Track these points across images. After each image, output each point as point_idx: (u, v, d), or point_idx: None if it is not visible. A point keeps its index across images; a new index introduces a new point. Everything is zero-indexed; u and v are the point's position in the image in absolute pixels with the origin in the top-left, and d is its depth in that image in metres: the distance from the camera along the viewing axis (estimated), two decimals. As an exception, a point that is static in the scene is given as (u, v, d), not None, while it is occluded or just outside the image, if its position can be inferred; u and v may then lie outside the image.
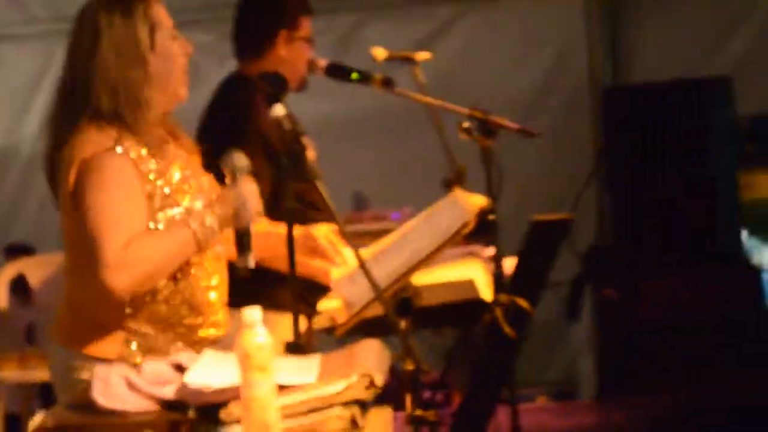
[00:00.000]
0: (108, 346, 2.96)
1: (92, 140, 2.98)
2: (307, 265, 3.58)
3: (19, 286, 5.25)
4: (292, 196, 3.28)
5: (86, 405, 2.66)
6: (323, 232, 3.67)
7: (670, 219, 6.33)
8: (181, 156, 3.15)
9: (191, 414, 2.63)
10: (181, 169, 3.08)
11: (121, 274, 2.85)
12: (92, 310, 2.97)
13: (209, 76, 4.97)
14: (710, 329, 6.01)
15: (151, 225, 2.96)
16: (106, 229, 2.89)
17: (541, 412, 5.97)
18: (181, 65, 3.11)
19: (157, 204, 2.98)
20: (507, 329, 3.46)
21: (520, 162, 5.83)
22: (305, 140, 3.10)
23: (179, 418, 2.64)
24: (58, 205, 3.07)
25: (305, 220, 3.82)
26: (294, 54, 4.19)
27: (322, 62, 4.15)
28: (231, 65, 4.53)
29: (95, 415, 2.65)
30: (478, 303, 3.56)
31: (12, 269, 4.55)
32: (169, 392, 2.68)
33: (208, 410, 2.64)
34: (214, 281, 3.09)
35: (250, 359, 2.57)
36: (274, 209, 3.73)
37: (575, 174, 6.40)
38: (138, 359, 2.93)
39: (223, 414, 2.61)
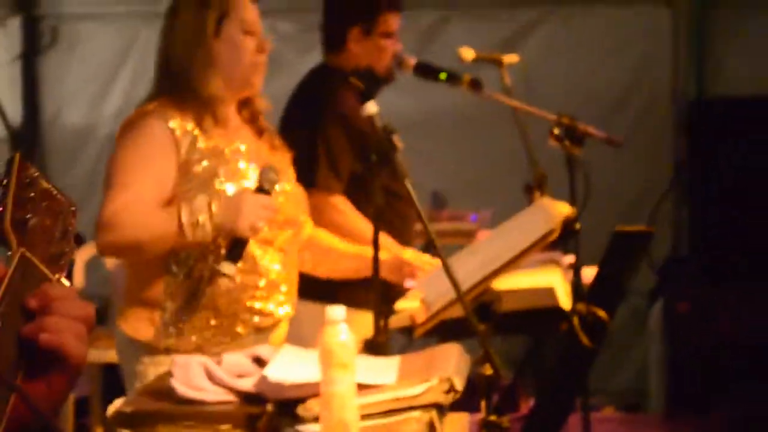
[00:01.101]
0: (157, 338, 3.04)
1: (142, 109, 3.14)
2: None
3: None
4: (379, 194, 3.26)
5: (162, 392, 2.65)
6: (411, 255, 3.68)
7: (747, 236, 6.24)
8: (250, 141, 3.20)
9: (269, 408, 2.62)
10: (238, 154, 3.14)
11: (109, 233, 2.99)
12: (141, 294, 3.08)
13: (292, 67, 4.98)
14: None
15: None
16: (115, 187, 3.04)
17: (608, 423, 5.91)
18: (251, 58, 3.18)
19: (192, 178, 3.09)
20: (584, 339, 3.42)
21: (595, 170, 5.78)
22: (396, 138, 3.09)
23: (257, 412, 2.62)
24: None
25: (392, 215, 3.81)
26: (369, 50, 4.17)
27: (411, 60, 4.12)
28: (314, 56, 4.54)
29: (173, 402, 2.64)
30: (553, 311, 3.52)
31: (89, 249, 4.57)
32: (247, 385, 2.67)
33: (286, 405, 2.62)
34: (275, 265, 3.13)
35: (332, 356, 2.54)
36: (359, 203, 3.73)
37: (650, 185, 6.33)
38: (182, 350, 3.00)
39: (302, 410, 2.59)
